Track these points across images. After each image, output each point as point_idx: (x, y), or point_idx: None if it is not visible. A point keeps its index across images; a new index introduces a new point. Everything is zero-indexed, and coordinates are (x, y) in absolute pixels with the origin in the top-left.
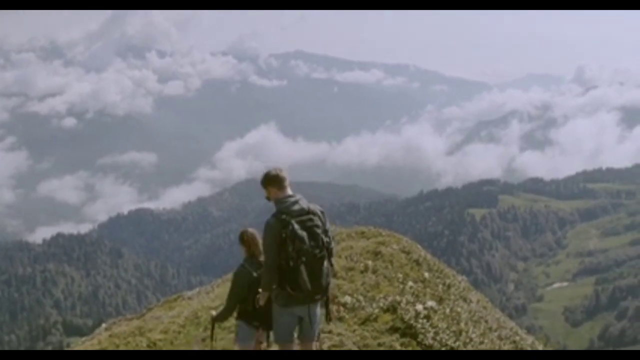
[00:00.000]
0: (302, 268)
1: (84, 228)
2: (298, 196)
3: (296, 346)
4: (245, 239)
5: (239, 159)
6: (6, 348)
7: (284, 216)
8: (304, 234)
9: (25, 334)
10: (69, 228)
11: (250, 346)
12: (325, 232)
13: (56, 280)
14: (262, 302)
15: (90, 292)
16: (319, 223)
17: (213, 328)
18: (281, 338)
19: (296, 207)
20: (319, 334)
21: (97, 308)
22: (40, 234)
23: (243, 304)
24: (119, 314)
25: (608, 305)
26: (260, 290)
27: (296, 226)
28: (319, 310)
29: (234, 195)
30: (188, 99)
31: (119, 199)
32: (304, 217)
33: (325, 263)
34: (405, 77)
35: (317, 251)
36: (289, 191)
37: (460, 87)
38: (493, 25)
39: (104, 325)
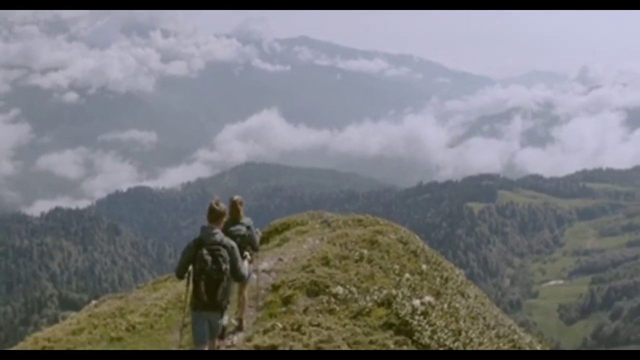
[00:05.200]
0: (202, 284)
1: (82, 203)
2: (218, 231)
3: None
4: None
5: (239, 142)
6: (1, 320)
7: (200, 242)
8: (209, 258)
9: (21, 306)
10: (66, 202)
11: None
12: (232, 262)
13: (53, 254)
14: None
15: (87, 267)
16: (225, 254)
17: None
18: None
19: (212, 238)
20: (223, 334)
21: (93, 283)
22: (38, 207)
23: None
24: (114, 290)
25: (603, 305)
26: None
27: (205, 251)
28: (221, 320)
29: (233, 177)
30: (190, 79)
31: (118, 176)
32: (214, 247)
33: (222, 285)
34: (409, 67)
35: (215, 274)
36: (215, 225)
37: (464, 81)
38: (498, 20)
39: (93, 302)
